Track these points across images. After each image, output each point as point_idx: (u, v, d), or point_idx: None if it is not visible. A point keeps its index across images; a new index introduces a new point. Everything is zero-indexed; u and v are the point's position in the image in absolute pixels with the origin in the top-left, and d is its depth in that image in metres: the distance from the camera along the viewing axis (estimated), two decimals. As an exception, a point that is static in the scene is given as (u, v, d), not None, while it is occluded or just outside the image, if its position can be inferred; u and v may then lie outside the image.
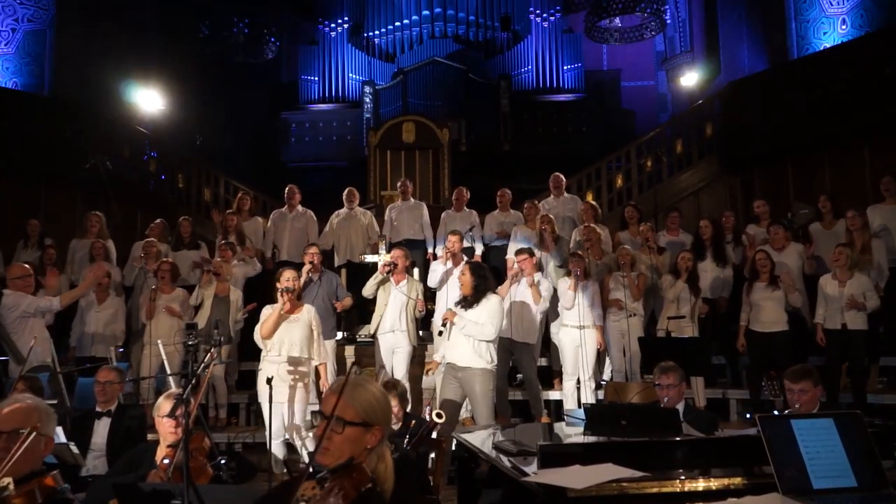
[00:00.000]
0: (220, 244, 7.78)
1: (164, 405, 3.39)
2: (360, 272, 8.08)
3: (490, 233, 8.41)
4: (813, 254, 7.03)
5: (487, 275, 5.39)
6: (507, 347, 6.43)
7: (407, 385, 5.85)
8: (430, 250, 8.31)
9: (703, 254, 7.23)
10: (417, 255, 8.45)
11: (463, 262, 6.14)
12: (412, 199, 8.81)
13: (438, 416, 3.72)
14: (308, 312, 5.54)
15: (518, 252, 6.59)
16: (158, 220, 8.23)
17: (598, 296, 6.68)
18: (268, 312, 5.47)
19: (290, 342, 5.39)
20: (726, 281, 7.21)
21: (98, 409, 4.38)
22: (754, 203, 8.05)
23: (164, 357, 6.04)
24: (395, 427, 3.88)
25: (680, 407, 3.98)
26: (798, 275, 6.84)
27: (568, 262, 6.87)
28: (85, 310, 6.82)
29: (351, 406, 1.90)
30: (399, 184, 9.05)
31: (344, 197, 8.54)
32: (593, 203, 8.38)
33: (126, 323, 7.11)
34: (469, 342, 5.18)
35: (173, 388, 5.78)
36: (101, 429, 4.30)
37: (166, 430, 3.35)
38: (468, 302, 5.22)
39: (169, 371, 6.09)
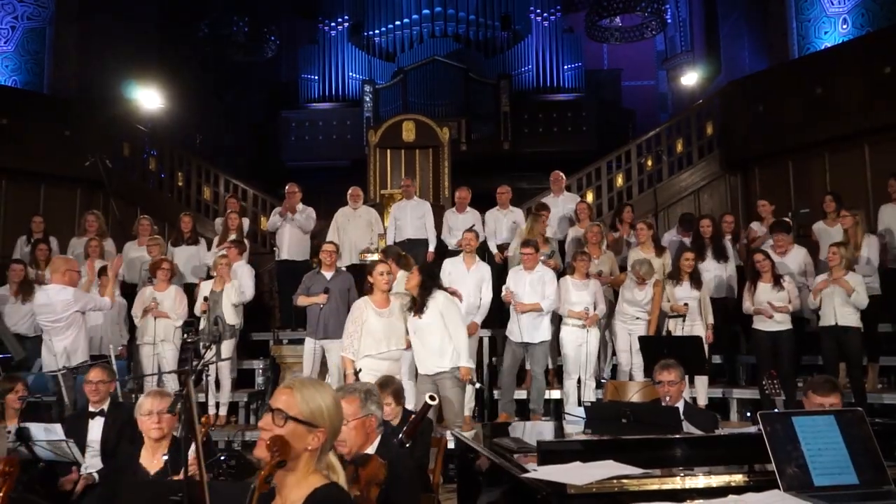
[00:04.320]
0: (220, 243, 7.78)
1: (144, 404, 3.39)
2: (363, 273, 8.04)
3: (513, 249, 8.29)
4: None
5: (434, 274, 5.42)
6: (521, 348, 6.52)
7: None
8: (430, 250, 8.26)
9: (703, 253, 7.21)
10: (419, 255, 8.41)
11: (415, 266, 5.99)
12: (416, 198, 8.76)
13: (431, 398, 3.70)
14: (395, 304, 5.37)
15: (524, 244, 6.66)
16: (144, 219, 8.17)
17: (601, 293, 6.69)
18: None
19: (397, 336, 5.28)
20: (729, 279, 7.17)
21: (91, 408, 4.37)
22: (758, 202, 7.99)
23: (155, 355, 6.06)
24: (394, 423, 3.87)
25: (679, 406, 3.96)
26: (800, 277, 6.84)
27: (572, 260, 6.86)
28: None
29: (297, 403, 1.88)
30: (402, 182, 9.01)
31: (348, 196, 8.47)
32: (588, 203, 8.34)
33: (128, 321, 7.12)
34: (431, 348, 5.12)
35: (167, 387, 5.80)
36: (96, 427, 4.29)
37: (146, 427, 3.35)
38: (418, 306, 5.15)
39: (165, 369, 6.10)
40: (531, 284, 6.49)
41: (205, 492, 2.26)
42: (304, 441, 1.86)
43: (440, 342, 5.10)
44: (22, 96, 9.80)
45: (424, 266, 5.51)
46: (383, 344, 5.16)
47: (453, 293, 5.85)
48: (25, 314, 6.89)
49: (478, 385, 5.20)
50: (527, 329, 6.42)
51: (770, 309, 6.25)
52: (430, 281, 5.21)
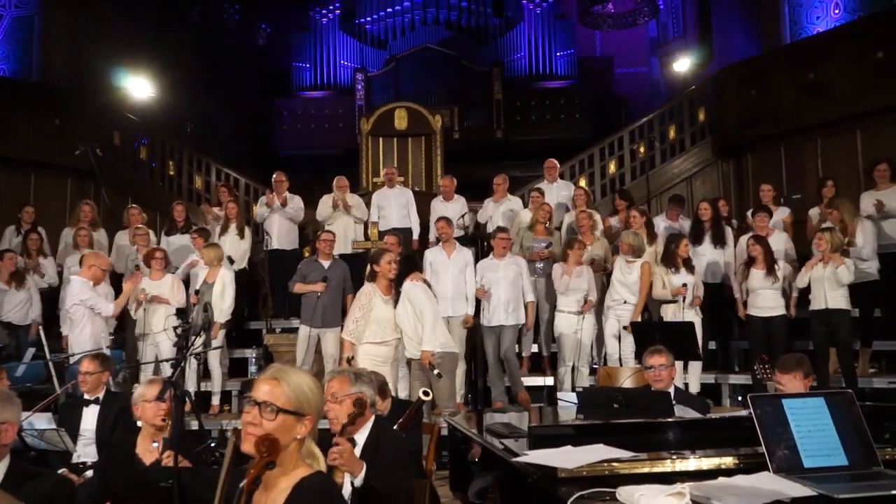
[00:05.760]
0: (221, 233, 7.75)
1: (148, 391, 3.37)
2: (353, 263, 8.01)
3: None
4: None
5: (413, 264, 5.66)
6: (495, 333, 6.59)
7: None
8: (414, 237, 8.25)
9: (700, 237, 7.20)
10: (405, 243, 8.37)
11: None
12: (398, 186, 8.71)
13: (425, 393, 3.72)
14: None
15: (499, 229, 6.83)
16: (133, 208, 8.12)
17: (593, 281, 6.69)
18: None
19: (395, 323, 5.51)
20: (726, 265, 7.12)
21: (86, 396, 4.37)
22: (762, 187, 7.91)
23: (153, 345, 6.02)
24: (385, 414, 3.90)
25: (670, 391, 3.97)
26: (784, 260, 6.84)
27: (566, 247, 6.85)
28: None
29: (285, 393, 1.83)
30: (384, 171, 8.99)
31: (334, 186, 8.42)
32: (586, 188, 8.36)
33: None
34: (408, 334, 5.38)
35: (161, 374, 5.78)
36: (90, 416, 4.28)
37: (151, 414, 3.34)
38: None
39: (162, 357, 6.07)
40: (504, 275, 6.56)
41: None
42: (293, 431, 1.83)
43: (413, 329, 5.33)
44: (11, 85, 9.70)
45: (404, 256, 5.64)
46: (388, 332, 5.37)
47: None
48: (19, 302, 6.89)
49: (436, 372, 5.31)
50: (502, 312, 6.51)
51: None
52: (404, 269, 5.44)
